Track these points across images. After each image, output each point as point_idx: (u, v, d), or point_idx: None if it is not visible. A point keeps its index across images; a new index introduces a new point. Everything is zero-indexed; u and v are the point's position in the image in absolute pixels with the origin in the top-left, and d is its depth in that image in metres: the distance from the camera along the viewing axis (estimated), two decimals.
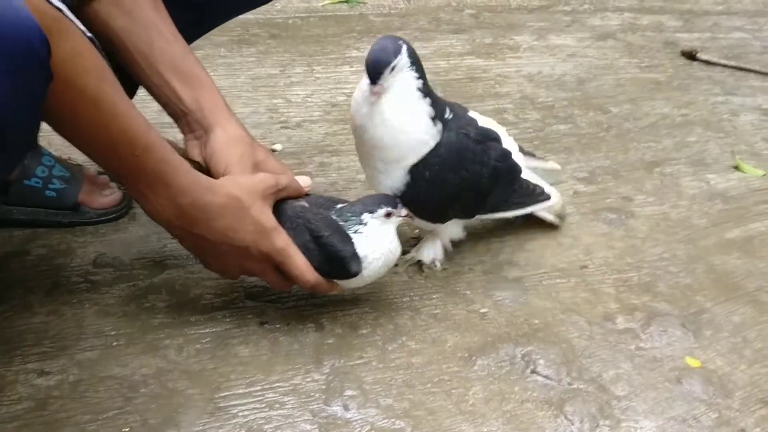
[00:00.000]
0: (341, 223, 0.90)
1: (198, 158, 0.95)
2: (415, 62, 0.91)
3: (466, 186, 0.98)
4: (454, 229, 1.06)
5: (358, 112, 0.93)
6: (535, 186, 1.09)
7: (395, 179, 0.95)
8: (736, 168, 1.37)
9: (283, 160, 1.31)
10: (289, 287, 0.93)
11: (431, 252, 1.06)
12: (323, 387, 0.87)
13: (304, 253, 0.89)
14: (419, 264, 1.06)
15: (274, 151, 1.33)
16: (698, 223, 1.21)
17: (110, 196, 1.13)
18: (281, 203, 0.92)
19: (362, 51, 1.72)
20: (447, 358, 0.92)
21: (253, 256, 0.87)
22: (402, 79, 0.90)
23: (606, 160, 1.37)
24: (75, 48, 0.74)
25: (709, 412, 0.88)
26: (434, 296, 1.02)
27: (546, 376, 0.91)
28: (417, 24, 1.88)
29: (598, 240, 1.15)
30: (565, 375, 0.91)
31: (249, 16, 1.88)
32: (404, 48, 0.90)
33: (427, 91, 0.93)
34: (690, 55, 1.80)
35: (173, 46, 0.94)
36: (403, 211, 0.93)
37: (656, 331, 0.99)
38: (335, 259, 0.89)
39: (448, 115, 0.97)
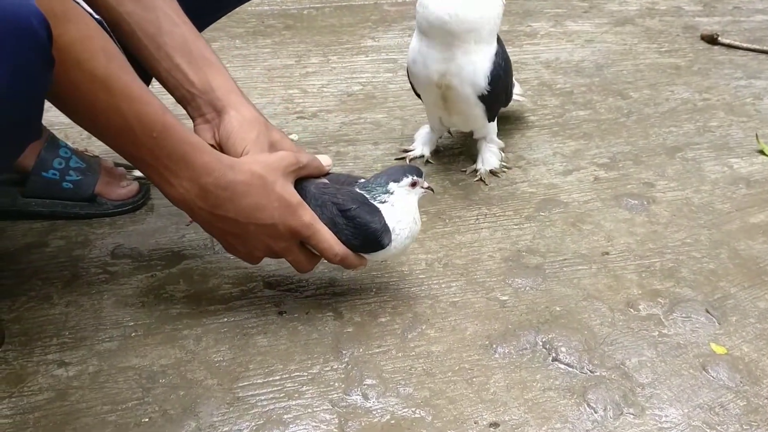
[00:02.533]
0: (366, 195, 0.90)
1: (210, 142, 0.94)
2: None
3: (510, 72, 1.21)
4: (494, 127, 1.23)
5: (442, 9, 1.06)
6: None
7: (486, 58, 1.11)
8: (761, 152, 1.34)
9: None
10: (312, 268, 0.92)
11: (494, 158, 1.23)
12: (342, 376, 0.86)
13: (331, 228, 0.88)
14: (485, 174, 1.23)
15: None
16: (722, 207, 1.19)
17: (127, 187, 1.13)
18: (302, 182, 0.91)
19: (377, 40, 1.71)
20: (467, 347, 0.91)
21: (280, 234, 0.86)
22: None
23: (626, 145, 1.35)
24: (82, 31, 0.73)
25: (737, 399, 0.86)
26: (453, 284, 1.01)
27: (568, 364, 0.89)
28: None
29: (619, 226, 1.13)
30: (587, 362, 0.89)
31: (264, 7, 1.89)
32: None
33: None
34: (710, 39, 1.77)
35: (181, 29, 0.93)
36: (426, 183, 0.93)
37: (680, 317, 0.97)
38: (366, 231, 0.88)
39: None
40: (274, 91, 1.49)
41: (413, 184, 0.91)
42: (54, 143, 1.09)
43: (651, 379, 0.88)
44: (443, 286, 1.00)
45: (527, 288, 1.00)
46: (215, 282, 1.00)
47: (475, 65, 1.10)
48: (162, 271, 1.02)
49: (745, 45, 1.75)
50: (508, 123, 1.40)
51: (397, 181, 0.90)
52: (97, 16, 0.78)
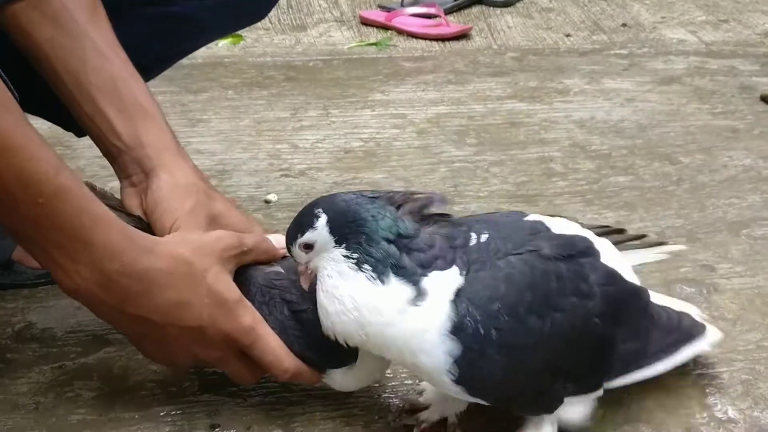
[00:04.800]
0: None
1: (137, 212, 0.73)
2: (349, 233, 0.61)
3: (563, 338, 0.62)
4: (572, 408, 0.67)
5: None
6: (674, 311, 0.74)
7: (434, 358, 0.60)
8: None
9: (278, 213, 1.10)
10: (257, 380, 0.71)
11: None
12: None
13: (280, 334, 0.67)
14: None
15: (267, 202, 1.11)
16: None
17: None
18: (247, 270, 0.70)
19: (387, 94, 1.52)
20: None
21: (209, 340, 0.65)
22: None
23: (678, 218, 1.11)
24: None
25: None
26: None
27: None
28: (452, 66, 1.67)
29: None
30: None
31: (267, 59, 1.72)
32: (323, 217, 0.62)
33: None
34: None
35: (112, 64, 0.73)
36: None
37: None
38: (324, 341, 0.65)
39: (471, 241, 0.62)
40: (260, 146, 1.29)
41: None
42: None
43: None
44: None
45: None
46: (137, 379, 0.77)
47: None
48: (74, 360, 0.79)
49: None
50: (533, 188, 1.17)
51: None
52: None
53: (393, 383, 0.77)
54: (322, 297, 0.62)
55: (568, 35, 1.87)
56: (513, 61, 1.72)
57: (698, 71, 1.70)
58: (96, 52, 0.73)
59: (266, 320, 0.66)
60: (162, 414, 0.73)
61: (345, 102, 1.48)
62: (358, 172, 1.21)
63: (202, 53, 1.67)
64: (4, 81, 0.60)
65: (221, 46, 1.73)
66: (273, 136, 1.33)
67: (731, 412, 0.75)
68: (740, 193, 1.19)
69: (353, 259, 0.60)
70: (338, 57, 1.72)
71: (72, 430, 0.71)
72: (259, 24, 1.84)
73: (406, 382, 0.77)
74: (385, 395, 0.76)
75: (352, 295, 0.59)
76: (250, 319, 0.66)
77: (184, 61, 1.60)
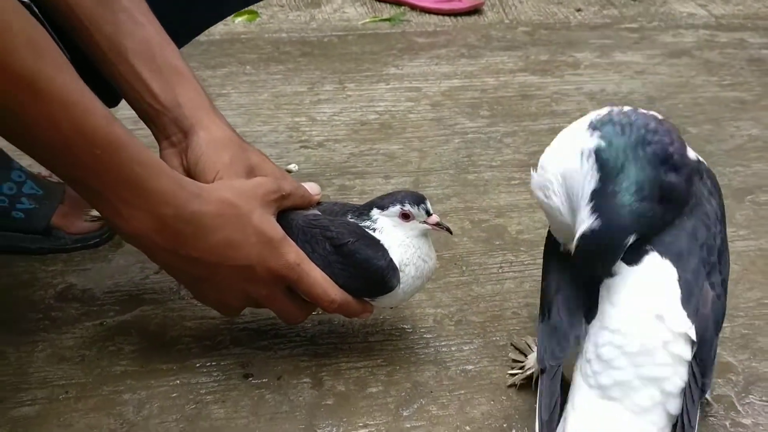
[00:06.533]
0: (361, 224, 0.73)
1: (179, 171, 0.77)
2: None
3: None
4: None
5: None
6: None
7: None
8: None
9: (299, 182, 1.14)
10: (305, 317, 0.75)
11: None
12: None
13: (324, 269, 0.72)
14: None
15: (288, 172, 1.16)
16: None
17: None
18: (287, 215, 0.75)
19: (401, 68, 1.55)
20: (479, 429, 0.71)
21: (259, 278, 0.70)
22: None
23: None
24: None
25: None
26: (466, 347, 0.81)
27: None
28: (465, 41, 1.70)
29: None
30: None
31: (282, 35, 1.76)
32: None
33: None
34: None
35: (145, 30, 0.77)
36: (433, 218, 0.73)
37: (758, 400, 0.75)
38: (367, 270, 0.71)
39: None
40: (280, 119, 1.33)
41: (405, 216, 0.72)
42: (5, 165, 0.94)
43: None
44: (453, 349, 0.81)
45: None
46: (174, 334, 0.82)
47: None
48: (113, 318, 0.84)
49: None
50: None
51: (382, 208, 0.72)
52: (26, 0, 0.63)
53: (413, 336, 0.82)
54: None
55: (578, 10, 1.90)
56: (524, 35, 1.74)
57: (708, 44, 1.73)
58: (129, 18, 0.77)
59: (310, 257, 0.71)
60: (198, 365, 0.78)
61: (360, 76, 1.51)
62: (374, 143, 1.25)
63: (219, 30, 1.72)
64: (55, 41, 0.64)
65: (237, 23, 1.76)
66: (291, 109, 1.37)
67: (732, 362, 0.80)
68: (746, 162, 1.22)
69: None
70: (352, 33, 1.75)
71: (116, 379, 0.76)
72: (274, 1, 1.91)
73: (425, 336, 0.82)
74: (406, 347, 0.81)
75: None
76: (294, 255, 0.70)
77: (202, 37, 1.65)
